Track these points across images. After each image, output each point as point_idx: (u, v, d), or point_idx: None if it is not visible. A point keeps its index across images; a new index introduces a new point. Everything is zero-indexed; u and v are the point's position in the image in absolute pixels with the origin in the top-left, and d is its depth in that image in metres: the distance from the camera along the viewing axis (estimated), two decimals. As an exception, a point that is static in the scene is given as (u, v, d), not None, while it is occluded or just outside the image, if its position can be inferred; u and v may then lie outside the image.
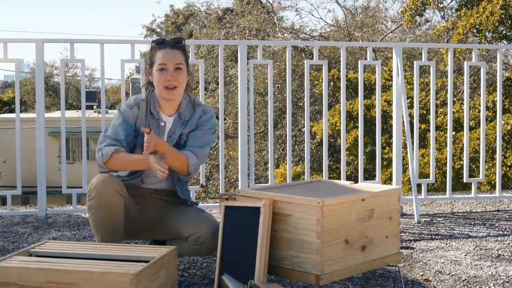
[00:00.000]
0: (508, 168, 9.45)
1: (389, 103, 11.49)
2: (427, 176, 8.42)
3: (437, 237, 4.21)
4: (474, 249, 3.86)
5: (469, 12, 12.05)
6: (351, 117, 11.90)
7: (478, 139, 10.09)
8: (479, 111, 9.33)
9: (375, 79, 5.23)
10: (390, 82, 12.02)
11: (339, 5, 21.32)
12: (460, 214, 5.02)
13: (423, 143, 11.10)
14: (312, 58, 5.46)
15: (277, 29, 19.98)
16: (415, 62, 5.12)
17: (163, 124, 3.11)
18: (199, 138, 3.10)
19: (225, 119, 17.03)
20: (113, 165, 2.95)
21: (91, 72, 39.43)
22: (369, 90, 12.27)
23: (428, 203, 5.47)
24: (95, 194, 2.88)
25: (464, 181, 5.25)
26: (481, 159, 5.25)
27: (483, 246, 3.92)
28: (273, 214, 2.65)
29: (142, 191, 3.14)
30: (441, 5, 14.17)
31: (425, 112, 11.10)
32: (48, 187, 4.69)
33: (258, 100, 17.46)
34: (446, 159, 10.31)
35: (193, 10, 26.49)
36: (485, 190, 8.97)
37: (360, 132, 5.06)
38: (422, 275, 3.32)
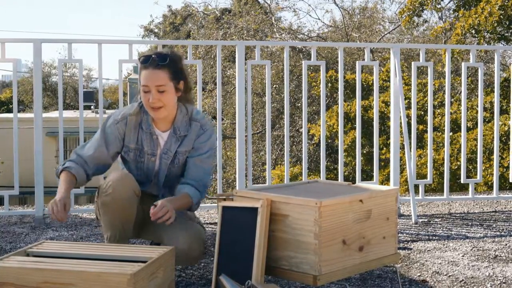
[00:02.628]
0: (504, 169, 9.46)
1: (386, 104, 11.50)
2: (424, 176, 8.43)
3: (434, 237, 4.21)
4: (471, 249, 3.86)
5: (467, 12, 12.06)
6: (349, 119, 11.90)
7: (475, 139, 10.10)
8: (477, 112, 9.33)
9: (373, 79, 5.23)
10: (388, 83, 12.03)
11: (337, 5, 21.40)
12: (458, 215, 5.02)
13: (420, 143, 11.11)
14: (310, 59, 5.49)
15: (275, 29, 19.98)
16: (412, 63, 5.12)
17: (155, 137, 3.04)
18: (199, 168, 3.02)
19: (222, 119, 17.01)
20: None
21: (89, 72, 39.41)
22: (367, 91, 12.28)
23: (426, 204, 5.47)
24: (112, 191, 2.85)
25: (462, 181, 5.26)
26: (478, 159, 5.25)
27: (480, 247, 3.92)
28: (271, 214, 2.65)
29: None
30: (439, 6, 14.18)
31: (422, 113, 11.11)
32: (45, 187, 4.68)
33: (256, 101, 17.47)
34: (443, 159, 10.33)
35: (191, 11, 26.48)
36: (482, 191, 8.98)
37: (357, 132, 5.06)
38: (419, 275, 3.32)
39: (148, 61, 2.96)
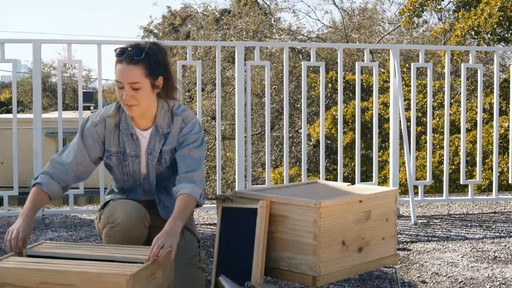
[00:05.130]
0: (500, 174, 9.44)
1: (385, 105, 11.48)
2: (421, 178, 8.43)
3: (433, 238, 4.21)
4: (470, 250, 3.86)
5: (467, 13, 12.07)
6: (345, 121, 11.86)
7: (471, 142, 10.10)
8: (475, 113, 9.31)
9: (372, 80, 5.24)
10: (388, 83, 12.02)
11: (337, 6, 21.37)
12: (457, 216, 5.02)
13: (417, 145, 11.09)
14: (309, 60, 5.48)
15: (274, 30, 19.99)
16: (412, 63, 5.13)
17: (136, 138, 2.82)
18: (189, 159, 2.78)
19: (222, 120, 16.99)
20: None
21: (88, 73, 39.41)
22: (367, 92, 12.27)
23: (425, 205, 5.47)
24: (120, 228, 2.68)
25: (461, 183, 5.26)
26: (477, 160, 5.25)
27: (479, 248, 3.92)
28: (270, 215, 2.64)
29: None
30: (439, 7, 14.21)
31: (420, 114, 11.10)
32: (44, 188, 4.68)
33: (255, 102, 17.47)
34: (438, 163, 10.34)
35: (190, 12, 26.48)
36: (479, 192, 8.98)
37: (357, 133, 5.06)
38: (418, 276, 3.32)
39: (123, 54, 2.72)
